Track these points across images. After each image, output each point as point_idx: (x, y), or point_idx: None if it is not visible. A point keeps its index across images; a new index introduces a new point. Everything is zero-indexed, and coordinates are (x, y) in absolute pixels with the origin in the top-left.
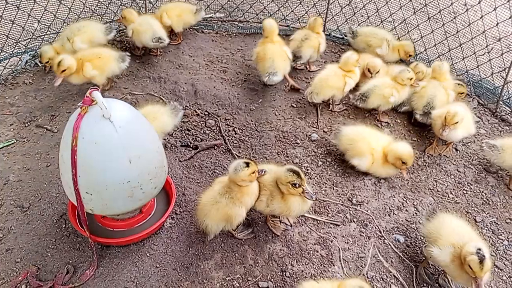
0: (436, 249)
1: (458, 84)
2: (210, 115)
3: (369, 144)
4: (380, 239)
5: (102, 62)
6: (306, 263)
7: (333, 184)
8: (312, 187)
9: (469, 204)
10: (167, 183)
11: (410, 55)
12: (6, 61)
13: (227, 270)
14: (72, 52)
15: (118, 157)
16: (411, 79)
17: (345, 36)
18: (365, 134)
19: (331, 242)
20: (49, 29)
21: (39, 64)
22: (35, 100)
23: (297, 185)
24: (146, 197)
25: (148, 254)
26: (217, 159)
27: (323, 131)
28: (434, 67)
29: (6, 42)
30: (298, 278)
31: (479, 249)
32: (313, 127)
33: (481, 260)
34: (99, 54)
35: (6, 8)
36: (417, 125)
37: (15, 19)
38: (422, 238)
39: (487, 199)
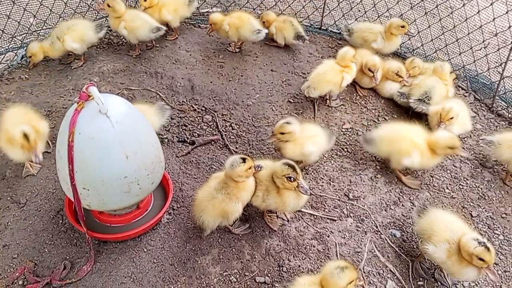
0: (431, 246)
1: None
2: (207, 110)
3: (412, 140)
4: (377, 234)
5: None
6: (303, 258)
7: (329, 179)
8: (309, 182)
9: (465, 199)
10: (164, 178)
11: (402, 27)
12: (1, 56)
13: (224, 265)
14: (62, 51)
15: (115, 152)
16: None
17: (341, 33)
18: (404, 132)
19: (328, 237)
20: (45, 23)
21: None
22: (31, 95)
23: (292, 178)
24: (143, 193)
25: (145, 250)
26: (214, 155)
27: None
28: (436, 67)
29: (2, 37)
30: (295, 273)
31: (477, 239)
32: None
33: (487, 247)
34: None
35: (1, 3)
36: (415, 119)
37: (11, 13)
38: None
39: (483, 194)
